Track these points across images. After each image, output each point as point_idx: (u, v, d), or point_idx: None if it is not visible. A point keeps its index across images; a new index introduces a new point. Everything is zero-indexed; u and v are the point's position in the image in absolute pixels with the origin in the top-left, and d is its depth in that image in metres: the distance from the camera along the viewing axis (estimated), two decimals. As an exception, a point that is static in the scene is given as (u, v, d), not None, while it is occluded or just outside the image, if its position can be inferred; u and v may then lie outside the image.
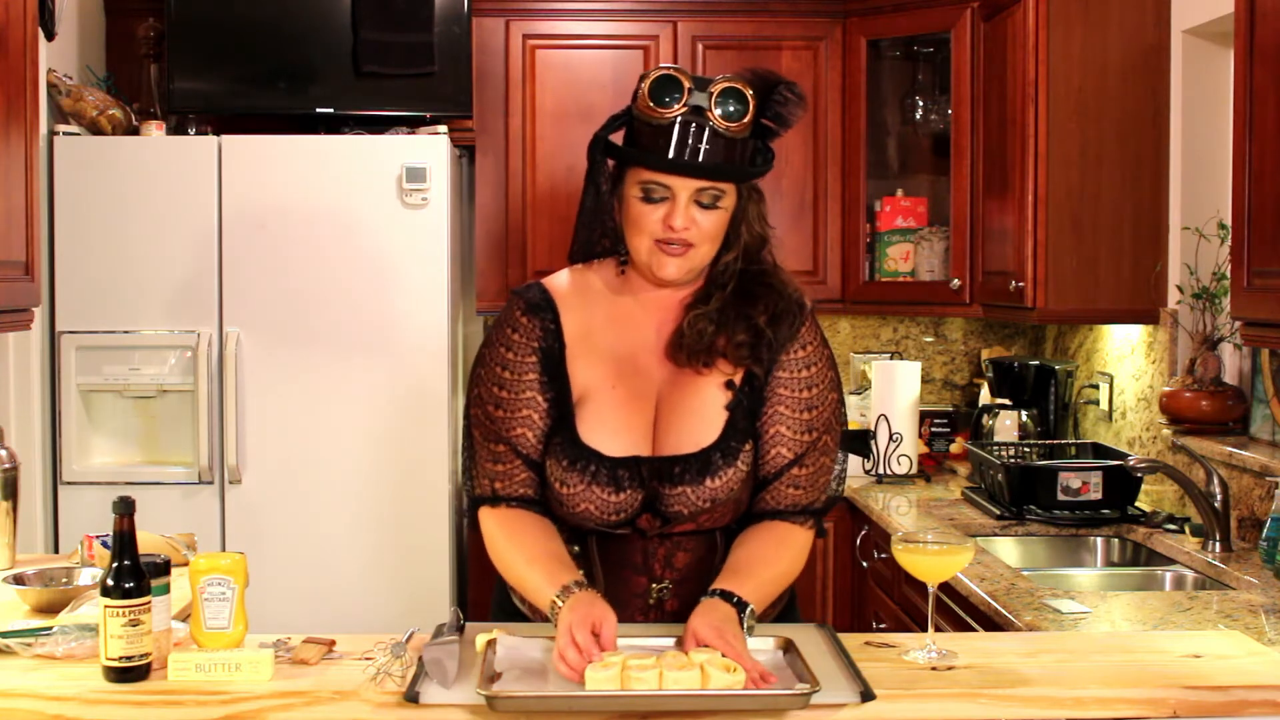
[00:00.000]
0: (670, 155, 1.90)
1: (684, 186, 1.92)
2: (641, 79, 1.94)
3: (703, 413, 1.98)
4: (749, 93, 1.92)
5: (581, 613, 1.78)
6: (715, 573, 1.97)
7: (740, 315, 1.98)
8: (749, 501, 2.05)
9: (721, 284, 2.01)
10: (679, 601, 2.00)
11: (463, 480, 2.10)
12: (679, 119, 1.89)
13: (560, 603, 1.84)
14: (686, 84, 1.90)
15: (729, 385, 2.00)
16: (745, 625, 1.87)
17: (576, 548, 2.02)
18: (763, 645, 1.88)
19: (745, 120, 1.91)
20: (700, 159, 1.90)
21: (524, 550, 1.97)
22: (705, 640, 1.78)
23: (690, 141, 1.89)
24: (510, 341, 2.02)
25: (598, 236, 2.03)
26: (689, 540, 2.01)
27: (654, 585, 2.01)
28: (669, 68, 1.93)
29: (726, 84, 1.91)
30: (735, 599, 1.88)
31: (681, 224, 1.93)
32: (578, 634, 1.74)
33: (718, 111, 1.90)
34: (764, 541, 2.01)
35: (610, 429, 1.97)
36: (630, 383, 2.01)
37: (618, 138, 2.01)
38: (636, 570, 2.01)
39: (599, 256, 2.07)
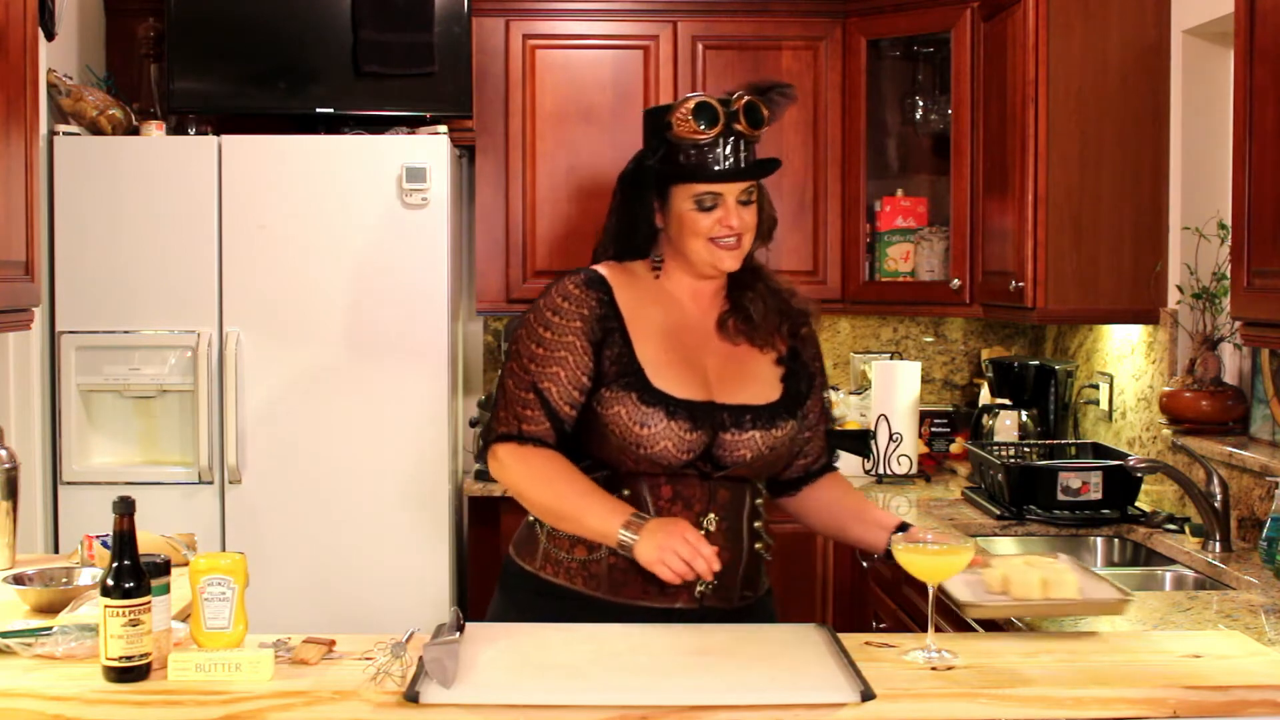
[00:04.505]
0: (723, 167, 2.20)
1: (731, 191, 2.22)
2: (677, 107, 2.20)
3: (760, 377, 2.29)
4: (762, 102, 2.23)
5: (681, 525, 2.08)
6: (750, 515, 2.26)
7: (777, 306, 2.32)
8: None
9: (744, 282, 2.32)
10: (722, 536, 2.21)
11: (482, 432, 2.39)
12: (720, 136, 2.19)
13: (632, 531, 2.08)
14: (718, 106, 2.19)
15: (780, 361, 2.32)
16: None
17: (626, 492, 2.20)
18: None
19: (765, 127, 2.23)
20: (743, 165, 2.22)
21: (576, 484, 2.17)
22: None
23: (733, 152, 2.21)
24: (557, 307, 2.23)
25: (630, 246, 2.30)
26: (728, 482, 2.24)
27: (702, 517, 2.20)
28: (699, 96, 2.21)
29: (747, 99, 2.21)
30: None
31: (737, 224, 2.22)
32: (689, 535, 2.06)
33: (747, 123, 2.20)
34: (838, 486, 2.43)
35: (674, 379, 2.21)
36: (679, 350, 2.26)
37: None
38: (688, 505, 2.21)
39: (632, 258, 2.32)
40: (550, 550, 2.21)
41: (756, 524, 2.28)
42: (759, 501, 2.29)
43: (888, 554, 2.17)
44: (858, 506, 2.38)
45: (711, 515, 2.21)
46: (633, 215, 2.27)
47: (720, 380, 2.25)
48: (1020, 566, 2.11)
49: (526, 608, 2.19)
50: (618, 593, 2.16)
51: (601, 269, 2.29)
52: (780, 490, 2.42)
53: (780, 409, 2.26)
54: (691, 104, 2.19)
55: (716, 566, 2.07)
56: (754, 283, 2.32)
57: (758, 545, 2.28)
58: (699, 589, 2.17)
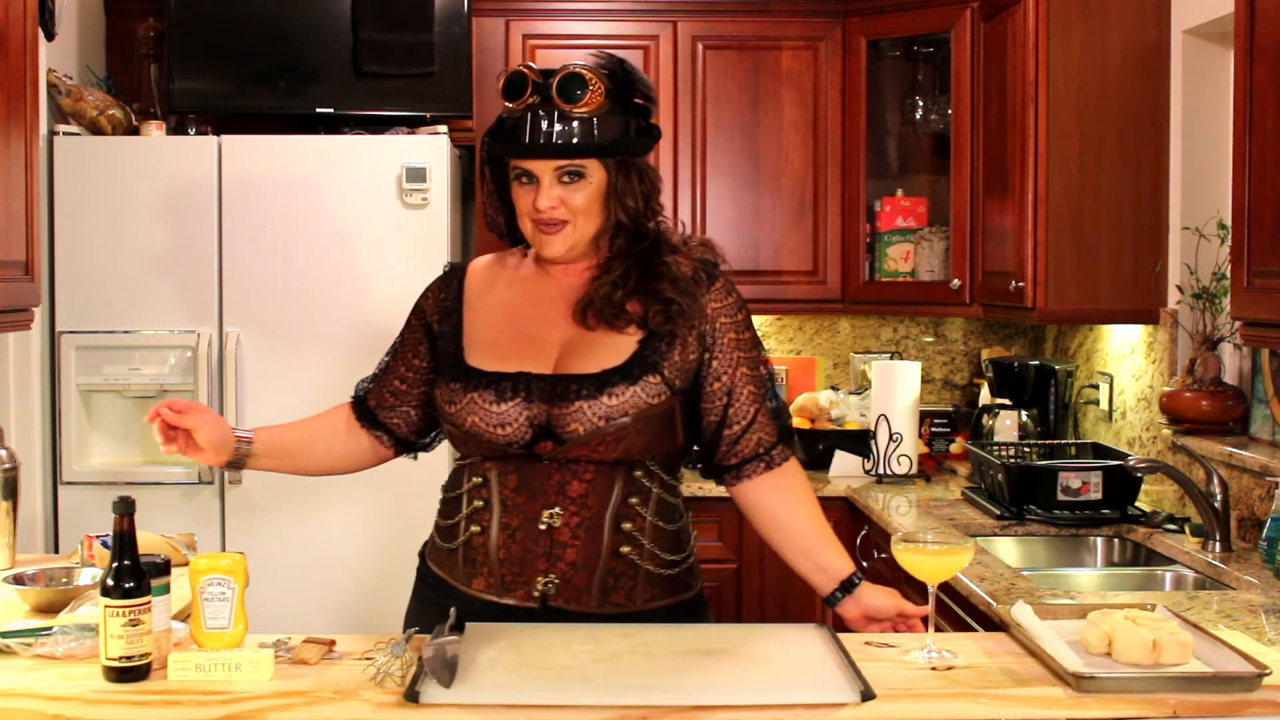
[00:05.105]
0: (527, 141, 2.05)
1: (543, 169, 2.06)
2: (498, 79, 2.11)
3: (610, 347, 2.09)
4: (590, 74, 2.05)
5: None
6: (616, 513, 2.06)
7: (649, 289, 2.09)
8: (716, 455, 2.17)
9: (621, 257, 2.13)
10: (569, 532, 2.06)
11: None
12: (528, 108, 2.05)
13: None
14: (532, 77, 2.06)
15: (641, 324, 2.09)
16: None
17: (479, 479, 2.11)
18: None
19: (586, 98, 2.04)
20: (545, 140, 2.04)
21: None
22: (913, 612, 2.10)
23: (541, 126, 2.04)
24: (417, 305, 2.28)
25: (496, 227, 2.22)
26: (586, 470, 2.06)
27: (545, 510, 2.06)
28: (520, 66, 2.09)
29: (567, 70, 2.05)
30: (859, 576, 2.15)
31: (546, 204, 2.06)
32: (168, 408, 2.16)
33: (559, 95, 2.04)
34: (800, 505, 2.18)
35: (492, 355, 2.12)
36: (525, 327, 2.15)
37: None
38: (532, 496, 2.07)
39: (509, 242, 2.24)
40: (434, 536, 2.24)
41: (626, 525, 2.07)
42: (634, 500, 2.08)
43: (831, 599, 2.14)
44: (808, 543, 2.16)
45: (557, 509, 2.05)
46: (486, 193, 2.19)
47: (571, 353, 2.09)
48: (1125, 624, 1.89)
49: (423, 597, 2.23)
50: (468, 584, 2.11)
51: (479, 258, 2.28)
52: (717, 474, 2.21)
53: (615, 374, 2.04)
54: (506, 75, 2.08)
55: (158, 435, 2.17)
56: (618, 262, 2.12)
57: (625, 549, 2.07)
58: (539, 588, 2.06)
